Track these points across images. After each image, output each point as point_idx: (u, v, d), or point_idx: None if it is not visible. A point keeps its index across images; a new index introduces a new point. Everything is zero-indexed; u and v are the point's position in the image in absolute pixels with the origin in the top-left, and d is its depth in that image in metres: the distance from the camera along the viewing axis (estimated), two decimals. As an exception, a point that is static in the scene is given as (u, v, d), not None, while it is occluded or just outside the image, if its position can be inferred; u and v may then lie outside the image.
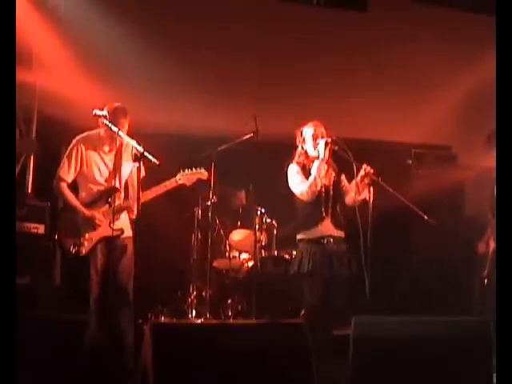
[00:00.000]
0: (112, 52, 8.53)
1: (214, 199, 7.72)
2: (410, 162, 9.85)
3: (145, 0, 9.15)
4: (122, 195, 6.48)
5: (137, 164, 5.79)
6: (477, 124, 8.67)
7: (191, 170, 6.77)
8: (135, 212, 6.29)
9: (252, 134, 7.30)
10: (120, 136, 6.10)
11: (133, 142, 5.96)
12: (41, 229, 7.36)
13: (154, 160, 5.88)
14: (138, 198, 5.78)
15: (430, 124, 9.66)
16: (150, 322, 5.12)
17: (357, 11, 10.03)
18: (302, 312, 7.05)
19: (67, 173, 6.34)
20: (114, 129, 6.11)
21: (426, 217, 6.37)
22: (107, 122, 6.21)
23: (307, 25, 9.67)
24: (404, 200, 6.38)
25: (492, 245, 6.78)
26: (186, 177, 6.69)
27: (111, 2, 8.69)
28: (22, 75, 7.76)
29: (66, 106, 7.91)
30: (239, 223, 8.78)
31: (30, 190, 8.34)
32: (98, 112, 6.23)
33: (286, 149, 6.86)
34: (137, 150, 5.85)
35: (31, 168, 8.39)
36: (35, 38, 8.13)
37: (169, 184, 6.59)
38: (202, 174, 6.85)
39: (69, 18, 8.26)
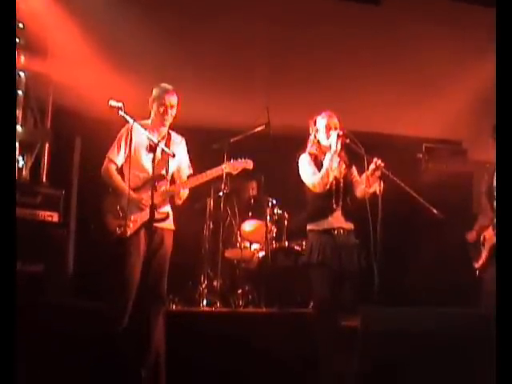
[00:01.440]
0: (126, 43, 8.59)
1: (226, 190, 7.82)
2: (421, 156, 9.89)
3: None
4: (168, 184, 6.47)
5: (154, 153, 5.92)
6: (487, 119, 8.71)
7: (237, 159, 6.74)
8: (180, 198, 6.46)
9: (264, 126, 7.38)
10: (135, 127, 6.16)
11: (147, 134, 6.04)
12: (55, 217, 7.41)
13: (168, 151, 5.97)
14: (152, 193, 5.88)
15: (441, 118, 9.70)
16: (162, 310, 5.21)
17: (370, 4, 10.06)
18: (311, 302, 7.12)
19: (117, 155, 6.37)
20: (130, 120, 6.16)
21: (435, 211, 6.41)
22: (122, 113, 6.28)
23: (319, 16, 9.71)
24: (414, 194, 6.40)
25: (488, 236, 6.81)
26: (231, 165, 6.65)
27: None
28: (36, 65, 7.90)
29: (81, 96, 7.98)
30: (250, 214, 8.83)
31: (44, 179, 8.42)
32: (113, 103, 6.29)
33: (297, 140, 6.90)
34: (151, 140, 5.93)
35: (46, 157, 8.46)
36: (50, 28, 8.16)
37: (215, 172, 6.52)
38: (248, 163, 6.77)
39: (84, 8, 8.27)
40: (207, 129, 8.81)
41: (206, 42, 9.23)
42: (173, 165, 6.48)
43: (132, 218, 6.27)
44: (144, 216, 6.27)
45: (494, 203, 6.69)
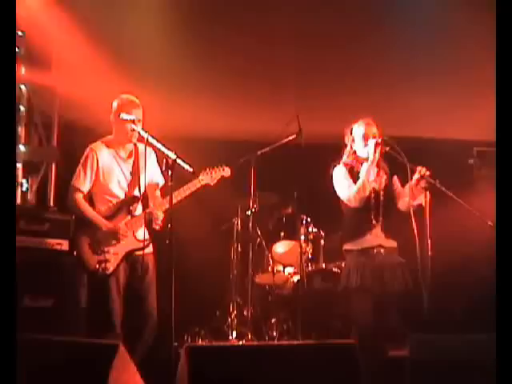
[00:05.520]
0: (138, 52, 8.47)
1: (255, 208, 7.80)
2: (472, 161, 9.80)
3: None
4: (141, 205, 6.60)
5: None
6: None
7: (213, 168, 6.79)
8: (159, 222, 6.49)
9: (295, 136, 7.34)
10: (149, 142, 6.20)
11: (163, 148, 6.06)
12: (65, 245, 7.38)
13: (187, 167, 5.98)
14: (171, 204, 5.91)
15: (493, 119, 9.59)
16: (185, 345, 5.17)
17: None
18: (353, 332, 7.07)
19: (83, 183, 6.46)
20: (144, 134, 6.22)
21: (490, 222, 6.33)
22: (136, 127, 6.32)
23: (352, 17, 9.64)
24: (465, 205, 6.37)
25: None
26: (208, 176, 6.71)
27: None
28: (39, 77, 7.92)
29: (90, 110, 7.99)
30: (283, 234, 8.84)
31: (51, 203, 8.42)
32: (125, 116, 6.34)
33: (332, 150, 6.90)
34: (168, 156, 5.94)
35: (53, 178, 8.48)
36: (54, 37, 8.14)
37: (192, 186, 6.61)
38: (226, 171, 6.85)
39: (90, 14, 8.16)
40: (232, 141, 8.80)
41: (228, 51, 9.14)
42: (144, 183, 6.56)
43: (112, 251, 6.41)
44: (126, 246, 6.44)
45: None
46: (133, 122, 6.33)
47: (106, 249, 6.38)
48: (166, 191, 6.50)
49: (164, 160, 5.93)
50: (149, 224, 6.51)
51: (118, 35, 8.23)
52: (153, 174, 6.68)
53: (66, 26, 8.03)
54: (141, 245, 6.41)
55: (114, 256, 6.38)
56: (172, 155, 5.93)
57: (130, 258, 6.48)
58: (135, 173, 6.56)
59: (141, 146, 6.57)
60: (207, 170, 6.74)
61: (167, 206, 6.28)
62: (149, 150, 6.54)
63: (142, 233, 6.45)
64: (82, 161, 6.53)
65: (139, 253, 6.42)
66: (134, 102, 6.52)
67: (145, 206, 6.57)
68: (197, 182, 6.63)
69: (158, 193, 6.75)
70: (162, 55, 8.50)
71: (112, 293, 6.39)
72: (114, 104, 6.55)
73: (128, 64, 8.40)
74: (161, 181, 6.72)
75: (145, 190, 6.59)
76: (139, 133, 6.30)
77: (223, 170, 6.84)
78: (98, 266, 6.35)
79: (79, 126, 8.48)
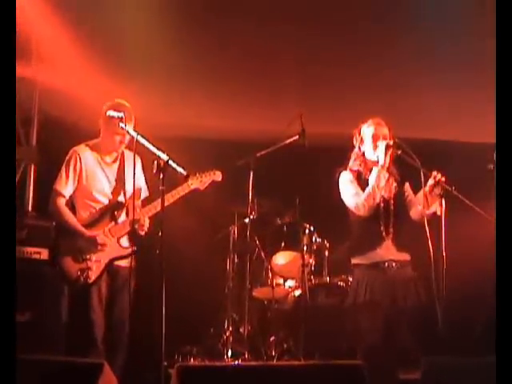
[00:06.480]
0: (129, 46, 8.39)
1: (253, 215, 7.79)
2: (492, 167, 9.77)
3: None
4: (125, 212, 6.64)
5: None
6: None
7: (203, 172, 6.85)
8: (145, 227, 6.56)
9: (297, 136, 7.34)
10: (139, 142, 6.18)
11: (154, 149, 6.04)
12: (44, 254, 7.36)
13: (180, 170, 5.96)
14: (163, 209, 5.89)
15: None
16: (176, 365, 5.16)
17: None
18: (360, 352, 7.07)
19: (65, 186, 6.52)
20: (133, 133, 6.20)
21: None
22: (124, 125, 6.31)
23: (357, 16, 9.60)
24: (484, 214, 6.36)
25: None
26: (197, 180, 6.78)
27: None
28: (19, 70, 7.84)
29: (73, 105, 7.96)
30: (283, 244, 8.81)
31: (30, 208, 8.39)
32: (113, 113, 6.34)
33: (338, 153, 6.85)
34: (159, 158, 5.92)
35: (31, 181, 8.45)
36: (35, 27, 8.10)
37: (181, 190, 6.69)
38: (216, 175, 6.92)
39: (76, 3, 8.19)
40: (230, 141, 8.78)
41: (226, 46, 9.06)
42: (130, 189, 6.50)
43: (94, 259, 6.46)
44: (109, 253, 6.50)
45: None
46: (121, 119, 6.31)
47: (87, 256, 6.43)
48: (153, 197, 6.55)
49: (155, 162, 5.92)
50: (134, 231, 6.54)
51: (106, 24, 8.19)
52: (138, 182, 6.65)
53: (48, 12, 7.99)
54: (125, 252, 6.49)
55: (95, 264, 6.44)
56: (164, 156, 5.91)
57: (112, 266, 6.53)
58: (120, 178, 6.65)
59: (127, 152, 6.68)
60: (197, 174, 6.78)
61: (154, 211, 6.44)
62: (135, 157, 6.58)
63: (126, 240, 6.55)
64: (64, 163, 6.58)
65: (125, 261, 6.48)
66: (125, 105, 6.57)
67: (129, 213, 6.57)
68: (186, 186, 6.70)
69: (139, 203, 6.76)
70: (154, 52, 8.47)
71: (93, 303, 6.44)
72: (104, 107, 6.59)
73: (117, 58, 8.35)
74: (144, 191, 6.82)
75: (131, 196, 6.53)
76: (128, 132, 6.29)
77: (214, 174, 6.91)
78: (79, 274, 6.39)
79: (62, 123, 8.42)
